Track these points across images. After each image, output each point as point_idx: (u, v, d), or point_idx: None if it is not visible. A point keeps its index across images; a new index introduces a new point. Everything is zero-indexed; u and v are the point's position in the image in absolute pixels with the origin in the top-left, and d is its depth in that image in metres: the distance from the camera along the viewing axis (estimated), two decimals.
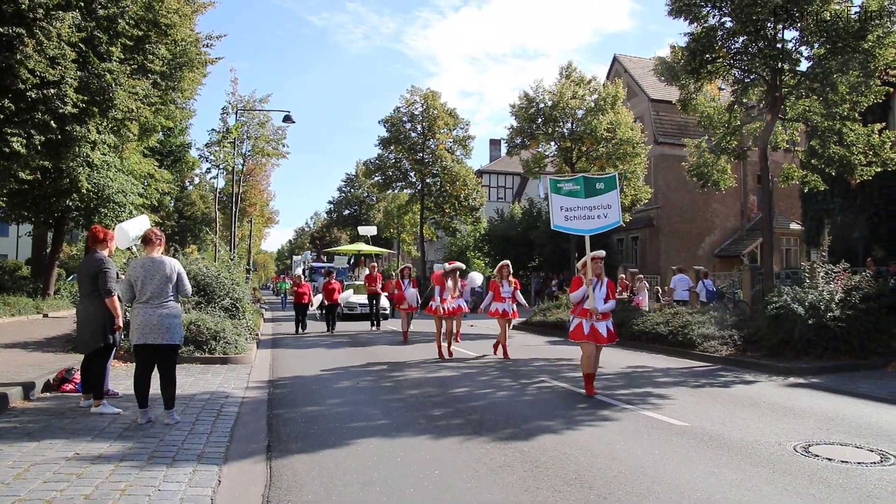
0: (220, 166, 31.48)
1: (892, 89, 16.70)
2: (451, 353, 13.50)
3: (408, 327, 17.25)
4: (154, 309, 6.76)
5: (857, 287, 12.40)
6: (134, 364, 7.06)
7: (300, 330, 19.85)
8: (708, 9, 15.26)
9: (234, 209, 29.91)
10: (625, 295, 21.62)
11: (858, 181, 16.59)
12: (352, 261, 38.13)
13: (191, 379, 9.76)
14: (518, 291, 13.93)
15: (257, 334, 16.22)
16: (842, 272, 12.86)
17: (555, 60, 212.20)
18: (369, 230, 36.38)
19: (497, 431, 6.91)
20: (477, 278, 16.14)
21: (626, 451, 6.18)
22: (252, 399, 8.61)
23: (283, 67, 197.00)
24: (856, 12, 14.24)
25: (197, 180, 45.92)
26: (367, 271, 22.82)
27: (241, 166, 35.17)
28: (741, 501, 4.81)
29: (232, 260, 16.56)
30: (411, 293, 17.50)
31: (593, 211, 9.63)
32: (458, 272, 14.46)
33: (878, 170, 16.16)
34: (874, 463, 5.81)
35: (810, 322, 11.72)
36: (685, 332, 14.23)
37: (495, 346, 13.91)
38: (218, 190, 36.20)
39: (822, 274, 12.77)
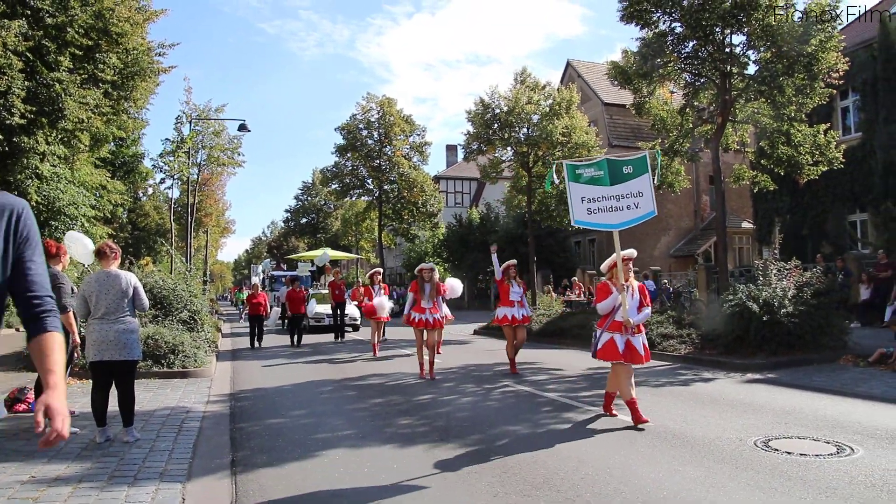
0: (175, 176, 30.90)
1: (835, 91, 17.19)
2: (433, 375, 11.54)
3: (378, 339, 15.85)
4: (110, 324, 6.61)
5: (808, 283, 12.72)
6: (90, 381, 6.89)
7: (257, 344, 18.22)
8: (658, 14, 15.54)
9: (189, 219, 29.44)
10: (582, 297, 21.90)
11: (806, 180, 17.02)
12: (314, 268, 36.63)
13: (150, 394, 9.57)
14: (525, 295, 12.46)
15: (217, 346, 15.98)
16: (793, 269, 13.17)
17: (508, 66, 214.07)
18: (324, 258, 33.66)
19: (463, 438, 6.91)
20: (458, 287, 15.01)
21: (592, 452, 6.24)
22: (214, 413, 8.47)
23: (238, 76, 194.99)
24: (799, 18, 14.65)
25: (151, 191, 45.09)
26: (331, 278, 22.07)
27: (196, 176, 34.60)
28: (706, 498, 4.89)
29: (188, 271, 16.33)
30: (382, 301, 16.25)
31: (621, 200, 7.90)
32: (434, 272, 12.26)
33: (825, 169, 16.61)
34: (831, 454, 5.96)
35: (765, 319, 11.98)
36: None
37: (511, 364, 12.07)
38: (172, 200, 35.52)
39: (774, 271, 13.06)
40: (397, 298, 32.01)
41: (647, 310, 7.75)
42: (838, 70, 15.08)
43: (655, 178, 8.20)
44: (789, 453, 6.03)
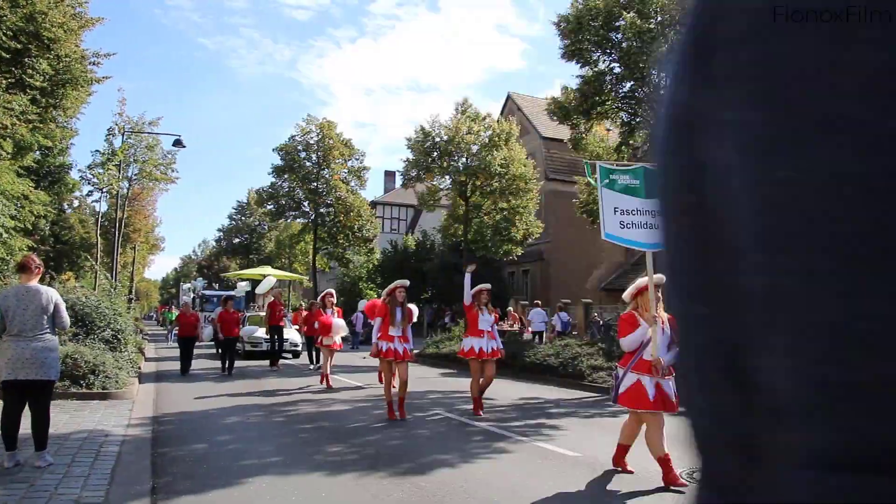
0: (104, 189, 29.91)
1: None
2: (403, 414, 9.85)
3: (329, 368, 14.24)
4: (27, 342, 6.27)
5: None
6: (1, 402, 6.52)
7: (187, 370, 16.42)
8: (598, 54, 16.03)
9: (116, 235, 28.51)
10: (515, 327, 22.09)
11: None
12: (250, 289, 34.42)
13: (66, 416, 9.11)
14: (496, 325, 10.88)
15: (139, 367, 15.41)
16: None
17: (448, 95, 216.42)
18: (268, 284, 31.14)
19: (394, 466, 6.81)
20: (415, 312, 12.40)
21: (523, 483, 6.22)
22: (135, 437, 8.11)
23: (175, 90, 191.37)
24: None
25: (77, 203, 43.48)
26: (270, 299, 21.00)
27: (126, 190, 33.56)
28: None
29: (114, 289, 15.75)
30: (339, 324, 14.85)
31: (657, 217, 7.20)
32: (404, 290, 10.25)
33: None
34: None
35: None
36: (575, 363, 14.59)
37: (475, 403, 10.48)
38: (100, 214, 34.35)
39: None
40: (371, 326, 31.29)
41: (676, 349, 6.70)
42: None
43: None
44: None
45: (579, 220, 21.39)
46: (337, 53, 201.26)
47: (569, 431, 8.96)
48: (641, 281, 6.59)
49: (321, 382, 12.84)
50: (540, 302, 23.83)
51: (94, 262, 25.10)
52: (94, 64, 17.81)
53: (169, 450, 7.57)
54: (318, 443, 8.10)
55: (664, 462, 6.14)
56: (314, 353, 18.21)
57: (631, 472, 6.50)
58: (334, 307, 15.35)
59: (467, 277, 10.39)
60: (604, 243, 36.40)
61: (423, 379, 15.48)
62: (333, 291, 16.34)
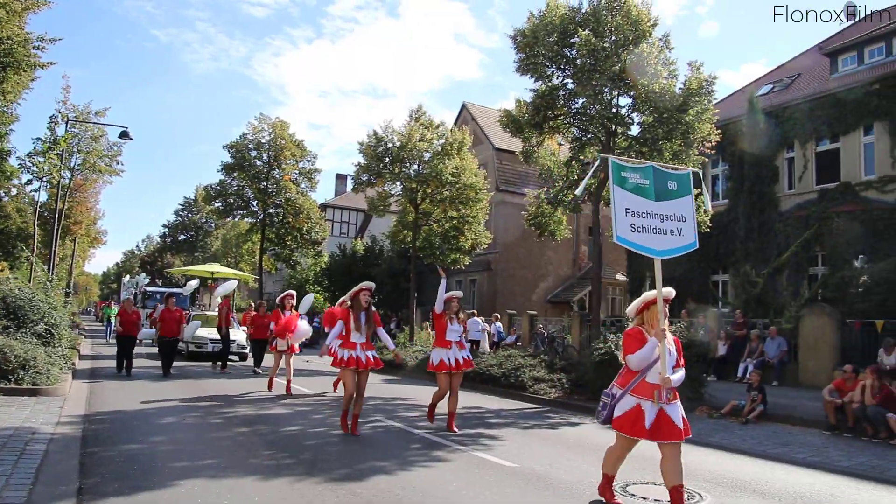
0: (44, 179, 29.00)
1: (707, 159, 18.38)
2: (356, 430, 9.05)
3: (275, 373, 13.92)
4: None
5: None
6: None
7: (124, 371, 15.71)
8: (552, 70, 16.23)
9: (55, 226, 27.65)
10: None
11: None
12: (199, 288, 32.91)
13: None
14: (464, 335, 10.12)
15: (73, 363, 14.99)
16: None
17: (403, 101, 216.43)
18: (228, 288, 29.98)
19: (330, 472, 6.77)
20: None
21: (458, 492, 6.25)
22: (63, 436, 7.89)
23: (123, 81, 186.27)
24: (680, 89, 15.71)
25: (14, 191, 42.03)
26: (219, 299, 20.33)
27: (67, 181, 32.58)
28: None
29: (50, 281, 15.32)
30: (304, 329, 14.52)
31: (665, 222, 6.36)
32: (369, 292, 9.40)
33: None
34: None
35: None
36: (517, 374, 14.71)
37: (430, 410, 10.09)
38: (39, 204, 33.28)
39: None
40: (320, 329, 30.88)
41: (682, 371, 5.93)
42: (711, 140, 16.20)
43: (703, 203, 6.83)
44: (644, 499, 6.28)
45: (528, 232, 21.61)
46: (294, 53, 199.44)
47: (508, 442, 9.03)
48: (649, 294, 6.09)
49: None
50: (476, 311, 23.97)
51: (29, 254, 24.31)
52: (38, 48, 17.26)
53: (99, 449, 7.39)
54: (254, 446, 8.01)
55: (677, 494, 5.66)
56: (260, 356, 17.76)
57: None
58: (293, 310, 14.69)
59: (442, 284, 9.75)
60: (552, 256, 36.84)
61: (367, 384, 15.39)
62: (294, 293, 15.58)
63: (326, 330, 11.78)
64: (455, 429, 9.49)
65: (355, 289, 9.37)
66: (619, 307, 33.67)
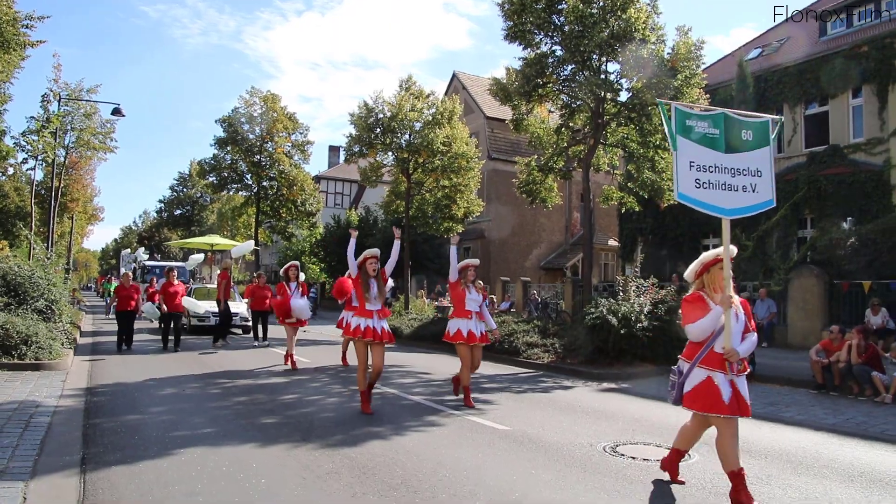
0: (39, 157, 28.82)
1: None
2: (368, 408, 8.46)
3: (292, 347, 13.08)
4: None
5: (663, 300, 13.59)
6: None
7: (124, 346, 15.44)
8: (541, 37, 16.20)
9: (53, 204, 27.60)
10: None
11: (667, 205, 18.13)
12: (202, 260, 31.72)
13: None
14: (485, 303, 9.64)
15: (75, 338, 15.14)
16: (650, 286, 14.03)
17: (394, 72, 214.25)
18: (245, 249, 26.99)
19: (325, 438, 6.95)
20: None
21: (451, 455, 6.43)
22: (67, 408, 8.07)
23: (114, 58, 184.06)
24: (668, 54, 15.71)
25: (11, 171, 41.78)
26: (218, 271, 19.95)
27: (62, 158, 32.43)
28: (554, 499, 5.18)
29: (49, 259, 15.40)
30: (301, 304, 13.65)
31: (737, 177, 5.57)
32: (376, 259, 8.80)
33: None
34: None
35: (622, 332, 12.70)
36: (511, 340, 14.90)
37: (455, 383, 9.66)
38: (35, 182, 33.15)
39: (633, 288, 13.87)
40: (315, 299, 30.98)
41: (752, 337, 5.29)
42: (700, 105, 16.23)
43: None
44: (634, 458, 6.47)
45: (520, 200, 21.69)
46: (283, 26, 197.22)
47: (501, 406, 9.23)
48: (709, 255, 5.38)
49: (286, 363, 12.20)
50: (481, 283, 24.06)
51: (28, 232, 24.30)
52: (27, 27, 17.13)
53: (101, 421, 7.56)
54: (252, 415, 8.18)
55: (736, 477, 5.04)
56: (261, 329, 17.54)
57: (682, 483, 5.70)
58: (298, 281, 13.99)
59: (453, 251, 9.07)
60: (545, 223, 36.96)
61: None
62: (298, 264, 14.71)
63: (340, 302, 11.55)
64: (471, 403, 9.06)
65: (363, 256, 8.76)
66: (611, 272, 33.91)
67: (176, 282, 15.69)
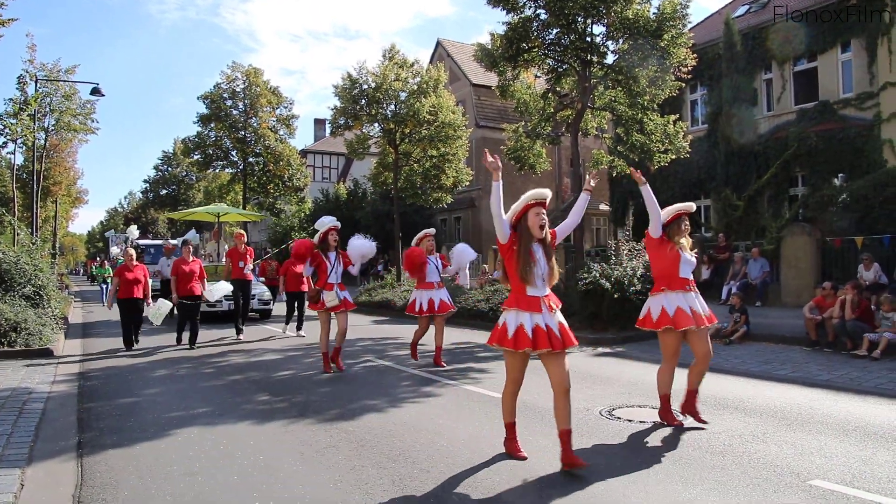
0: (18, 141, 28.42)
1: (684, 84, 18.27)
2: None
3: (327, 341, 9.67)
4: None
5: None
6: None
7: (134, 344, 12.33)
8: (524, 0, 15.93)
9: (35, 188, 27.27)
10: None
11: (657, 167, 18.05)
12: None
13: None
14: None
15: (65, 323, 15.03)
16: (643, 250, 13.99)
17: (376, 42, 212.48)
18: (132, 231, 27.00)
19: (322, 413, 6.92)
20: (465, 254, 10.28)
21: (448, 425, 6.42)
22: (60, 393, 8.02)
23: (89, 37, 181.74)
24: (654, 14, 15.51)
25: None
26: (225, 246, 17.59)
27: (43, 141, 31.97)
28: (552, 464, 5.17)
29: (34, 244, 15.22)
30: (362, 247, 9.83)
31: None
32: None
33: (673, 157, 17.69)
34: (666, 422, 6.44)
35: (616, 296, 12.70)
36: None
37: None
38: (16, 167, 32.76)
39: (626, 251, 13.85)
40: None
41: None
42: (687, 65, 16.09)
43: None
44: (630, 421, 6.47)
45: (509, 167, 21.56)
46: None
47: (496, 374, 9.21)
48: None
49: (327, 368, 9.49)
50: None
51: (11, 218, 24.02)
52: None
53: (96, 405, 7.52)
54: (246, 392, 8.15)
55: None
56: (300, 313, 14.49)
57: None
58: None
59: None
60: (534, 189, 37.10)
61: (354, 327, 15.56)
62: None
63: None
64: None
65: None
66: (602, 237, 33.93)
67: (191, 258, 12.58)
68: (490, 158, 5.05)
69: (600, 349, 11.64)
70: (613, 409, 6.93)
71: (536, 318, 5.16)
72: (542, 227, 5.18)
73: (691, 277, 6.46)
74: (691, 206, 6.85)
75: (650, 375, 8.91)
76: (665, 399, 6.38)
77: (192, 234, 23.70)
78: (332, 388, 8.38)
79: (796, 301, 15.51)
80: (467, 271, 10.53)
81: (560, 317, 5.36)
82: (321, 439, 5.92)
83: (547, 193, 5.27)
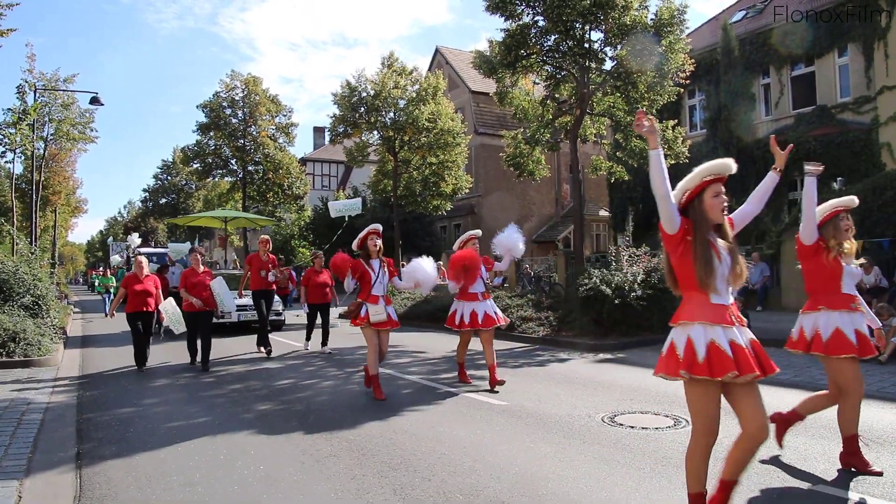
0: (18, 150, 28.41)
1: (682, 90, 18.31)
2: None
3: (375, 363, 8.34)
4: None
5: (656, 269, 13.55)
6: None
7: (145, 363, 11.01)
8: (522, 7, 15.98)
9: (34, 198, 27.29)
10: (447, 281, 22.25)
11: None
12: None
13: None
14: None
15: (64, 333, 14.98)
16: (643, 255, 13.99)
17: (375, 49, 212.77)
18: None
19: (323, 422, 6.89)
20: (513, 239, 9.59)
21: (449, 433, 6.39)
22: (59, 404, 7.98)
23: (88, 46, 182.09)
24: (651, 20, 15.56)
25: None
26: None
27: (42, 151, 31.97)
28: (554, 471, 5.14)
29: (33, 254, 15.21)
30: (426, 271, 8.70)
31: None
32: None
33: (672, 162, 17.68)
34: (668, 427, 6.41)
35: (616, 302, 12.68)
36: (505, 315, 14.83)
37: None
38: (15, 176, 32.77)
39: (626, 257, 13.83)
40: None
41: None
42: (685, 70, 16.13)
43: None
44: (632, 427, 6.44)
45: (509, 174, 21.58)
46: (260, 7, 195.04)
47: None
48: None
49: (378, 394, 8.07)
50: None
51: (10, 227, 24.03)
52: None
53: (94, 415, 7.48)
54: (247, 402, 8.12)
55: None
56: (316, 327, 13.20)
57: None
58: (382, 259, 8.61)
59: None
60: (534, 196, 36.95)
61: (353, 335, 15.52)
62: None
63: (451, 285, 8.93)
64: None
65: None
66: (603, 243, 33.94)
67: (201, 268, 11.24)
68: (644, 121, 3.78)
69: (601, 355, 11.61)
70: (615, 416, 6.90)
71: (731, 333, 3.82)
72: (723, 211, 3.97)
73: (856, 293, 5.24)
74: (853, 200, 5.38)
75: (651, 381, 8.90)
76: (853, 441, 5.11)
77: (185, 246, 21.75)
78: (332, 397, 8.35)
79: (797, 305, 15.39)
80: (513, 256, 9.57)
81: (751, 333, 3.98)
82: (322, 448, 5.89)
83: (731, 166, 3.92)
